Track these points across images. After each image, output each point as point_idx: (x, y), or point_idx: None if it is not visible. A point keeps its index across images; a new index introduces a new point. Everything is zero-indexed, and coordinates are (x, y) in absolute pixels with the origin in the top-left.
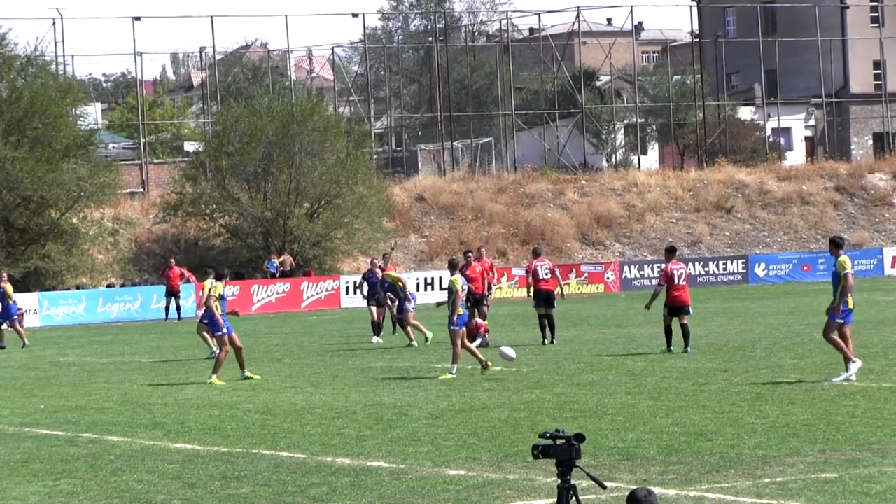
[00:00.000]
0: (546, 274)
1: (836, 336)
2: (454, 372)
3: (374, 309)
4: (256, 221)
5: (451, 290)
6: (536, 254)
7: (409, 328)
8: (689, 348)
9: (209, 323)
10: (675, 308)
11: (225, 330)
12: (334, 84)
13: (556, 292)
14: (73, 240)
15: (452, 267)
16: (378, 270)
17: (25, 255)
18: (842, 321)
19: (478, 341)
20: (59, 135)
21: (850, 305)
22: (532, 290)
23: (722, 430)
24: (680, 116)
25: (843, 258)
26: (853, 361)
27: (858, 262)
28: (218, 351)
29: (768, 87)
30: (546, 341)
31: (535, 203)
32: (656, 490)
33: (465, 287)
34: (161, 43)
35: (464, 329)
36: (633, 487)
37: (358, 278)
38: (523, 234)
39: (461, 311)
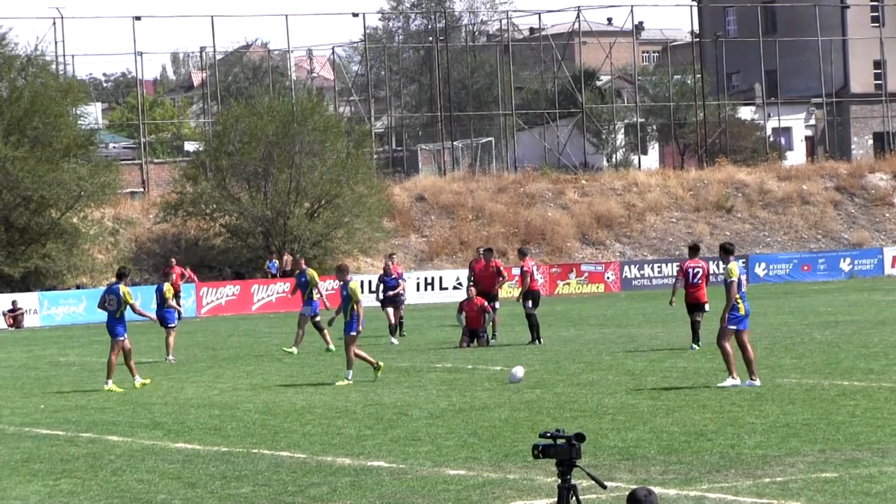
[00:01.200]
0: (537, 275)
1: (727, 344)
2: (349, 378)
3: (389, 311)
4: (256, 221)
5: (350, 298)
6: (525, 254)
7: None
8: (695, 345)
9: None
10: (691, 305)
11: (123, 337)
12: (334, 84)
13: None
14: (74, 239)
15: (342, 272)
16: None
17: (26, 255)
18: (734, 327)
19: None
20: (60, 134)
21: (742, 311)
22: (523, 290)
23: (722, 430)
24: (680, 116)
25: (732, 265)
26: (732, 377)
27: (859, 262)
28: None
29: (768, 86)
30: (536, 341)
31: (536, 203)
32: (657, 490)
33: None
34: (161, 43)
35: (352, 336)
36: (634, 487)
37: (361, 278)
38: (523, 234)
39: (361, 317)
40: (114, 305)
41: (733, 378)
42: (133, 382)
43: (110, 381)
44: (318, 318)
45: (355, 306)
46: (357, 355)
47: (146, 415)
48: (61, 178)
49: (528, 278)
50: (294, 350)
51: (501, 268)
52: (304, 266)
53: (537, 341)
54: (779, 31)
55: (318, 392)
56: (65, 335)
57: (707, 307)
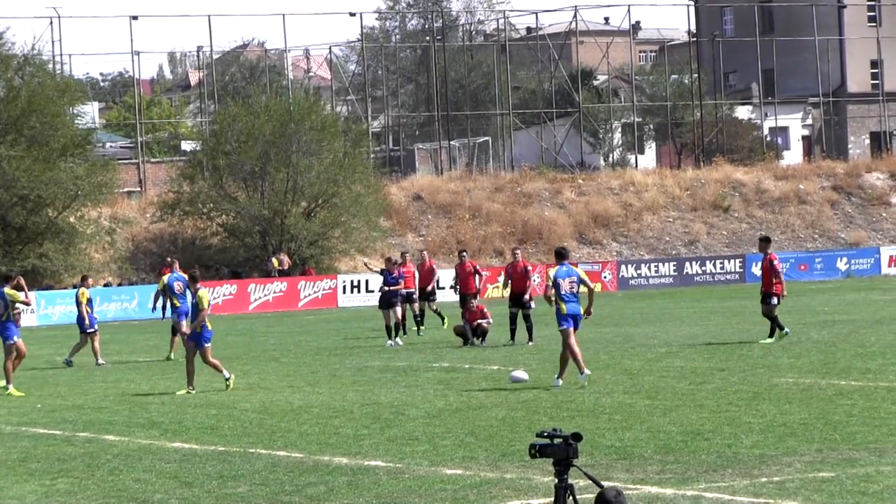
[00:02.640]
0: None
1: (571, 343)
2: (229, 376)
3: (391, 312)
4: (254, 220)
5: (198, 308)
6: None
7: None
8: (770, 338)
9: None
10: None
11: (15, 339)
12: (331, 83)
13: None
14: (71, 239)
15: (194, 280)
16: (395, 269)
17: (23, 254)
18: (565, 327)
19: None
20: (57, 134)
21: (564, 311)
22: (509, 290)
23: (719, 430)
24: (677, 116)
25: (551, 270)
26: (559, 377)
27: (855, 262)
28: (6, 358)
29: (765, 86)
30: (514, 340)
31: (533, 202)
32: (653, 490)
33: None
34: (158, 42)
35: (206, 347)
36: (602, 489)
37: (355, 277)
38: (520, 234)
39: (210, 326)
40: (1, 309)
41: (584, 371)
42: (7, 388)
43: (10, 386)
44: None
45: (203, 314)
46: (212, 364)
47: (143, 414)
48: (58, 178)
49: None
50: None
51: (528, 267)
52: (394, 269)
53: (514, 339)
54: (776, 31)
55: (314, 392)
56: (62, 334)
57: (770, 299)
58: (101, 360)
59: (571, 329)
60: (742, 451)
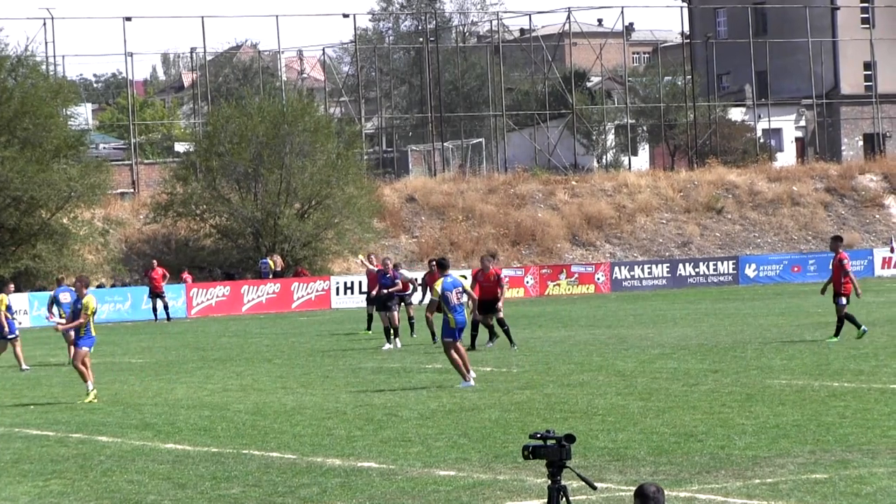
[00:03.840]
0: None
1: (453, 354)
2: (90, 389)
3: (387, 314)
4: (247, 222)
5: (81, 312)
6: (493, 257)
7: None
8: (835, 338)
9: None
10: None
11: None
12: (325, 85)
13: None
14: (64, 240)
15: (82, 283)
16: (391, 270)
17: (16, 256)
18: (451, 339)
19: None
20: (50, 135)
21: (453, 324)
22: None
23: (712, 431)
24: (670, 117)
25: (438, 282)
26: (466, 379)
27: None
28: None
29: (759, 87)
30: (475, 346)
31: (526, 204)
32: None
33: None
34: (152, 43)
35: (85, 350)
36: (642, 483)
37: (348, 279)
38: (514, 235)
39: (94, 332)
40: None
41: (469, 377)
42: None
43: None
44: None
45: (84, 319)
46: (78, 368)
47: (136, 415)
48: (51, 179)
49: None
50: (91, 392)
51: (500, 275)
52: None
53: (512, 346)
54: (769, 33)
55: (308, 393)
56: (54, 336)
57: (840, 299)
58: (25, 367)
59: (454, 341)
60: (735, 453)
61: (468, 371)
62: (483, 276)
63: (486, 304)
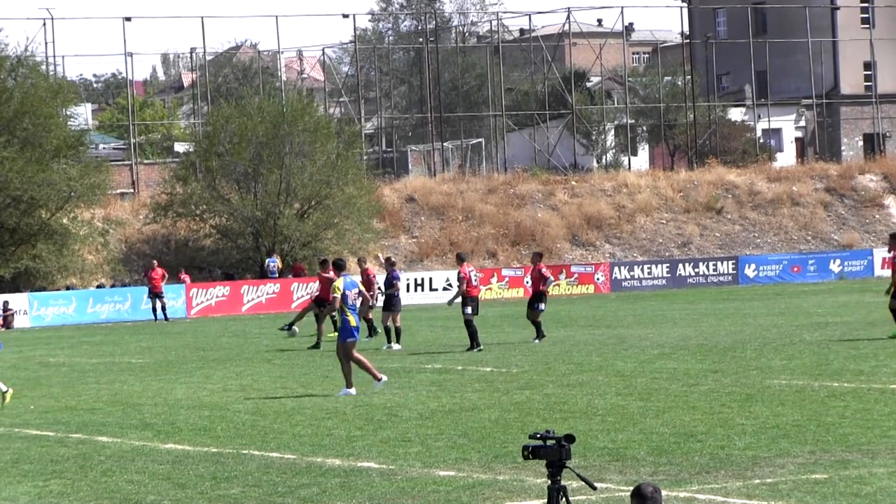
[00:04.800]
0: (476, 280)
1: (356, 355)
2: (3, 390)
3: (391, 314)
4: (246, 222)
5: None
6: (463, 259)
7: None
8: None
9: None
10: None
11: None
12: (324, 85)
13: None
14: (64, 240)
15: None
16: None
17: (16, 256)
18: (353, 339)
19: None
20: (50, 135)
21: (353, 323)
22: (463, 296)
23: (712, 431)
24: (670, 117)
25: (338, 280)
26: (376, 381)
27: (849, 264)
28: None
29: (759, 88)
30: (475, 348)
31: (526, 204)
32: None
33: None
34: (151, 43)
35: None
36: (639, 482)
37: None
38: (513, 235)
39: None
40: None
41: (379, 381)
42: None
43: None
44: None
45: None
46: None
47: (136, 416)
48: (51, 179)
49: (465, 284)
50: (6, 393)
51: (543, 271)
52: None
53: (476, 349)
54: (769, 33)
55: (307, 393)
56: (55, 336)
57: None
58: None
59: (357, 341)
60: (735, 453)
61: (375, 374)
62: (531, 272)
63: (533, 296)
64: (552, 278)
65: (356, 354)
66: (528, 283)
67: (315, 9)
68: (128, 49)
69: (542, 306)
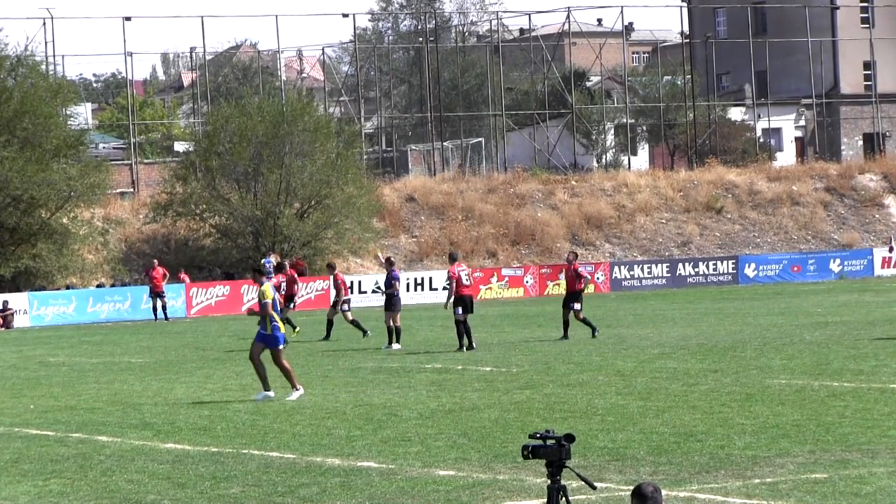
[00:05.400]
0: (468, 280)
1: (284, 363)
2: None
3: (391, 314)
4: (246, 221)
5: None
6: (454, 259)
7: None
8: None
9: None
10: None
11: None
12: (324, 84)
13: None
14: (64, 240)
15: None
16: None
17: (16, 255)
18: (277, 347)
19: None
20: (50, 135)
21: (282, 330)
22: (453, 295)
23: (712, 431)
24: (670, 117)
25: (265, 286)
26: (296, 389)
27: (848, 263)
28: None
29: (758, 87)
30: (464, 348)
31: (525, 203)
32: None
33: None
34: (151, 43)
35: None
36: (639, 482)
37: (348, 279)
38: (513, 235)
39: None
40: None
41: (297, 389)
42: None
43: None
44: None
45: None
46: None
47: (136, 415)
48: (51, 179)
49: (455, 284)
50: None
51: (580, 270)
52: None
53: (465, 348)
54: (769, 32)
55: (307, 393)
56: (54, 335)
57: None
58: None
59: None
60: (735, 453)
61: (293, 383)
62: (566, 270)
63: (568, 296)
64: (588, 277)
65: (284, 362)
66: (561, 281)
67: (315, 8)
68: (128, 49)
69: (578, 306)
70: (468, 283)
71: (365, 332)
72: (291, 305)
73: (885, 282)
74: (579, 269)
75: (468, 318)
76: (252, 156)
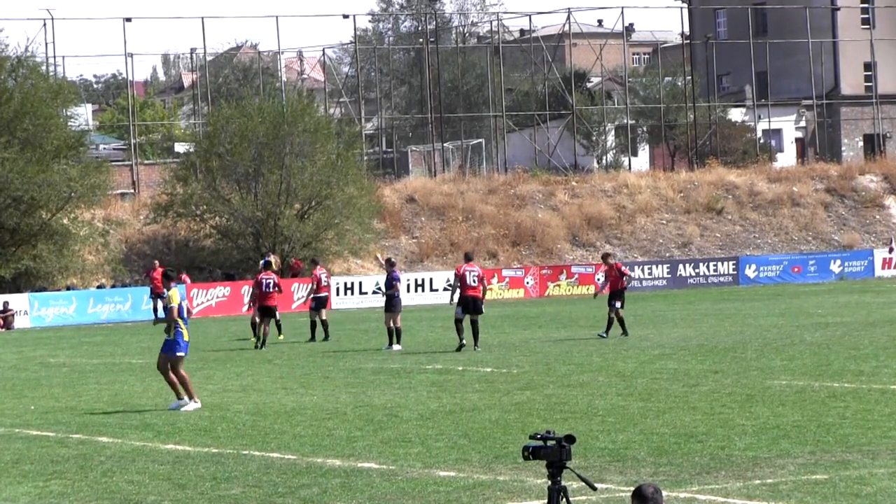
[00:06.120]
0: (473, 281)
1: (182, 372)
2: None
3: (391, 315)
4: (247, 222)
5: None
6: (468, 259)
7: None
8: None
9: None
10: None
11: None
12: (325, 85)
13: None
14: (64, 240)
15: None
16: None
17: (16, 256)
18: (182, 354)
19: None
20: (50, 136)
21: (187, 337)
22: (458, 295)
23: (712, 432)
24: (670, 118)
25: (172, 291)
26: (193, 400)
27: (849, 264)
28: None
29: (759, 88)
30: (464, 345)
31: (526, 204)
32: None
33: None
34: (152, 44)
35: None
36: (640, 483)
37: (348, 280)
38: (514, 236)
39: None
40: None
41: (195, 402)
42: None
43: None
44: None
45: None
46: None
47: (136, 416)
48: (52, 180)
49: (461, 283)
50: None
51: (623, 268)
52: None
53: (460, 348)
54: (769, 33)
55: (308, 393)
56: (55, 336)
57: None
58: None
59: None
60: (735, 454)
61: (191, 394)
62: (608, 270)
63: (611, 294)
64: (631, 276)
65: (182, 371)
66: (599, 279)
67: (315, 9)
68: (128, 50)
69: (619, 304)
70: (474, 284)
71: (312, 339)
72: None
73: (886, 283)
74: (622, 267)
75: (479, 319)
76: (252, 157)
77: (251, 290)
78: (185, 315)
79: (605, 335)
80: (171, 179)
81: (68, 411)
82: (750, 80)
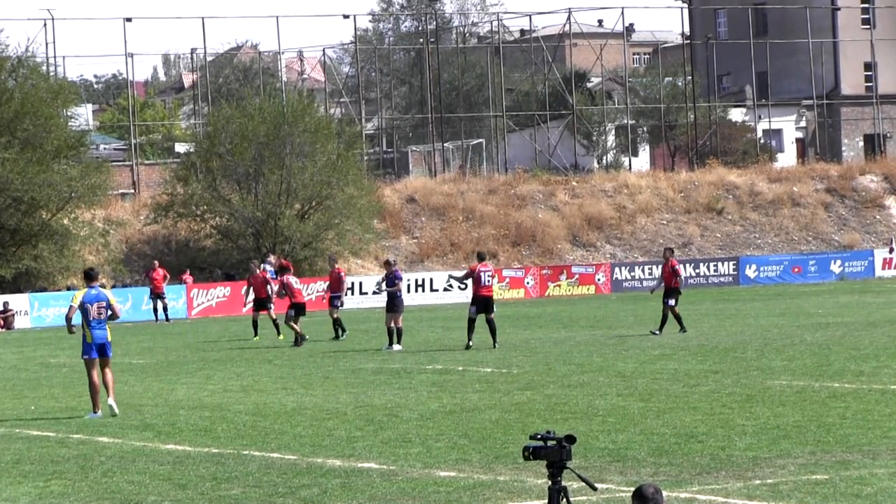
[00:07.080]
0: (488, 280)
1: (94, 377)
2: None
3: (392, 315)
4: (247, 222)
5: None
6: (481, 258)
7: None
8: None
9: None
10: None
11: None
12: (325, 85)
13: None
14: (65, 241)
15: None
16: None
17: (17, 256)
18: (90, 357)
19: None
20: (50, 136)
21: (90, 339)
22: (472, 294)
23: (713, 432)
24: (671, 118)
25: (76, 292)
26: (95, 411)
27: (849, 264)
28: None
29: (759, 88)
30: (471, 347)
31: (526, 204)
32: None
33: None
34: (152, 44)
35: None
36: (640, 483)
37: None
38: (514, 236)
39: None
40: None
41: (97, 412)
42: None
43: None
44: None
45: None
46: None
47: (137, 416)
48: (52, 180)
49: (474, 283)
50: None
51: (677, 267)
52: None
53: (470, 345)
54: (769, 33)
55: (308, 393)
56: (55, 336)
57: None
58: None
59: (97, 360)
60: (736, 454)
61: (105, 399)
62: (664, 267)
63: (666, 292)
64: (684, 274)
65: (94, 376)
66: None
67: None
68: (128, 50)
69: (672, 301)
70: (488, 283)
71: (338, 337)
72: (270, 307)
73: (886, 283)
74: (676, 265)
75: (493, 317)
76: (253, 157)
77: (277, 289)
78: (92, 317)
79: (657, 332)
80: (172, 179)
81: (68, 411)
82: (750, 81)
